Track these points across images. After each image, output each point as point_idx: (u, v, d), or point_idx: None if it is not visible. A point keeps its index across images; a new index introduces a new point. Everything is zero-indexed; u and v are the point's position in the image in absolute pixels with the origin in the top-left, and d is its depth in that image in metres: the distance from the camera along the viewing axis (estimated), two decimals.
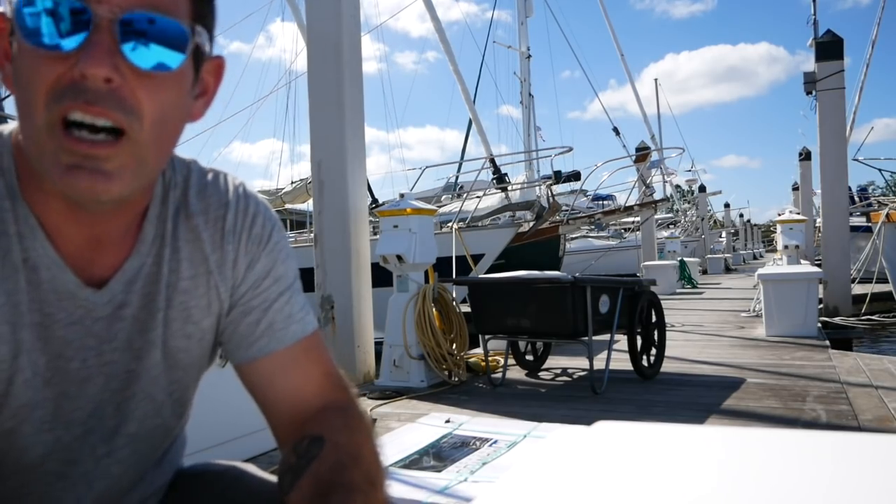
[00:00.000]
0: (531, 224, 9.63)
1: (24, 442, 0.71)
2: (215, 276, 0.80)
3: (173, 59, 0.65)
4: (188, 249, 0.78)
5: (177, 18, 0.65)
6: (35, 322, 0.69)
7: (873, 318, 8.21)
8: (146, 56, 0.63)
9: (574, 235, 16.23)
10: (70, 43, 0.60)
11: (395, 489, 0.78)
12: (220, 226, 0.80)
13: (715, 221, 33.61)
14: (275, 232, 0.84)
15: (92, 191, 0.63)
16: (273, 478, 0.87)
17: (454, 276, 6.81)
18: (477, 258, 8.22)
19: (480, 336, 4.49)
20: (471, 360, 4.82)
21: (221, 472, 0.91)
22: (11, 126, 0.71)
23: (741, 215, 45.08)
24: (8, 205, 0.68)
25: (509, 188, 11.73)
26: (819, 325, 6.52)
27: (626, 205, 11.79)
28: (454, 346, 4.63)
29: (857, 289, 9.28)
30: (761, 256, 34.32)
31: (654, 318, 4.61)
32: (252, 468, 0.92)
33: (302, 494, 0.69)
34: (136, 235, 0.75)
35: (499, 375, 4.56)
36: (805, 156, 21.14)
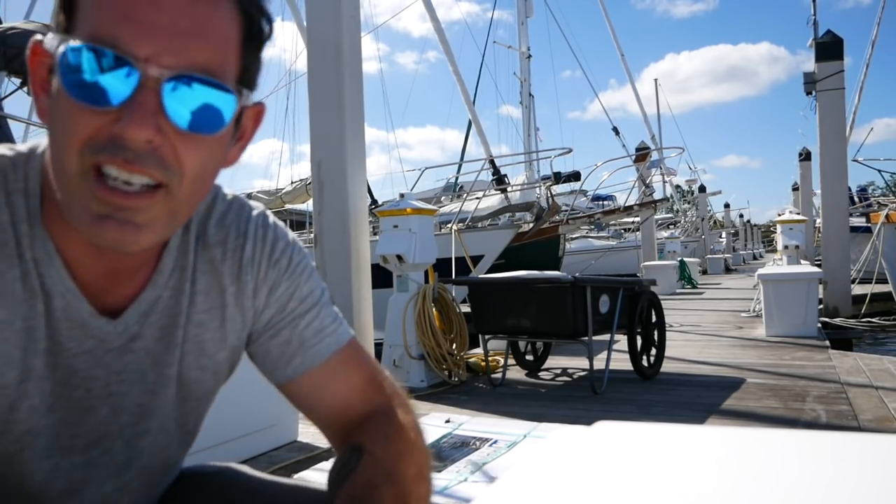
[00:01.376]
0: (531, 225, 9.63)
1: (25, 468, 0.70)
2: (231, 308, 0.79)
3: (218, 122, 0.63)
4: (205, 281, 0.77)
5: (224, 80, 0.63)
6: (44, 349, 0.68)
7: (873, 320, 8.21)
8: (191, 118, 0.61)
9: (574, 235, 16.24)
10: (114, 100, 0.58)
11: None
12: (238, 256, 0.79)
13: (715, 222, 33.61)
14: (294, 254, 0.83)
15: (120, 242, 0.61)
16: (266, 476, 0.88)
17: (454, 276, 6.81)
18: (476, 259, 8.22)
19: (480, 336, 4.49)
20: (471, 360, 4.82)
21: (216, 473, 0.90)
22: (44, 143, 0.68)
23: (741, 215, 45.06)
24: (26, 229, 0.66)
25: (509, 189, 11.73)
26: (819, 325, 6.52)
27: (626, 205, 11.79)
28: (454, 346, 4.63)
29: (857, 289, 9.28)
30: (761, 257, 34.30)
31: (654, 318, 4.61)
32: (247, 469, 0.91)
33: None
34: (155, 266, 0.74)
35: (499, 375, 4.56)
36: (805, 156, 21.13)
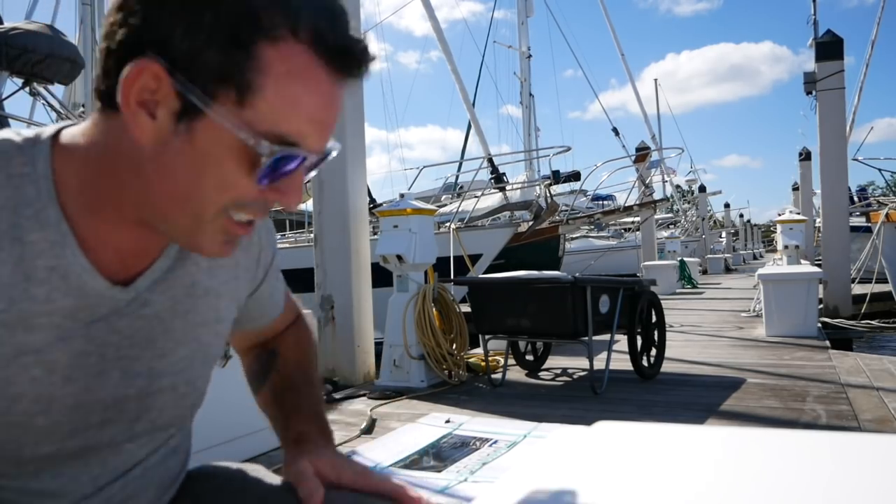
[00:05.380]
0: (530, 224, 9.63)
1: (40, 433, 0.72)
2: (242, 277, 0.87)
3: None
4: None
5: None
6: (56, 324, 0.69)
7: (872, 322, 8.20)
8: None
9: (574, 235, 16.24)
10: (277, 178, 0.66)
11: None
12: None
13: (715, 221, 33.58)
14: (268, 222, 0.94)
15: (228, 255, 0.73)
16: (279, 478, 0.90)
17: (452, 276, 6.80)
18: (475, 258, 8.22)
19: (480, 336, 4.48)
20: (471, 360, 4.82)
21: (232, 474, 0.92)
22: (48, 130, 0.71)
23: (741, 215, 45.06)
24: (30, 212, 0.67)
25: (507, 188, 11.73)
26: (819, 325, 6.52)
27: (626, 205, 11.80)
28: (454, 346, 4.63)
29: (857, 289, 9.28)
30: (761, 256, 34.29)
31: (654, 318, 4.61)
32: (261, 469, 0.93)
33: (264, 397, 0.97)
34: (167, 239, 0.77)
35: (499, 375, 4.56)
36: (805, 156, 21.13)
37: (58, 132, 0.71)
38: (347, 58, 0.65)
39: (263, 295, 0.94)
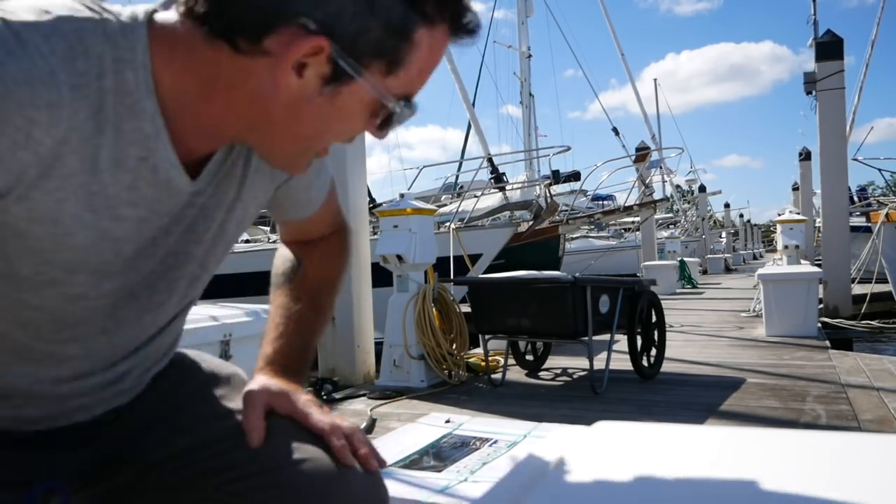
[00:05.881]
0: (530, 223, 9.63)
1: (85, 306, 0.76)
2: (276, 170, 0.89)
3: None
4: None
5: None
6: (140, 217, 0.72)
7: (872, 322, 8.19)
8: None
9: (574, 235, 16.23)
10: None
11: (395, 489, 0.80)
12: None
13: (715, 221, 33.55)
14: None
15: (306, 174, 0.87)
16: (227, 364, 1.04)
17: (452, 276, 6.80)
18: (475, 258, 8.22)
19: (480, 336, 4.48)
20: (471, 360, 4.82)
21: (193, 358, 1.02)
22: (141, 14, 0.69)
23: (741, 215, 45.00)
24: (130, 101, 0.67)
25: (507, 188, 11.73)
26: (819, 325, 6.52)
27: (626, 205, 11.80)
28: (454, 346, 4.63)
29: (857, 288, 9.27)
30: (761, 256, 34.27)
31: (654, 318, 4.61)
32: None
33: (273, 299, 1.00)
34: None
35: (499, 375, 4.56)
36: (805, 156, 21.11)
37: (150, 17, 0.69)
38: (468, 30, 0.72)
39: (298, 188, 0.95)
